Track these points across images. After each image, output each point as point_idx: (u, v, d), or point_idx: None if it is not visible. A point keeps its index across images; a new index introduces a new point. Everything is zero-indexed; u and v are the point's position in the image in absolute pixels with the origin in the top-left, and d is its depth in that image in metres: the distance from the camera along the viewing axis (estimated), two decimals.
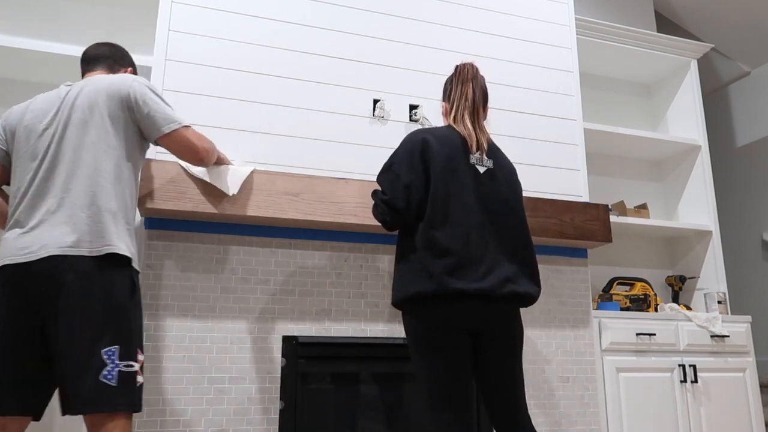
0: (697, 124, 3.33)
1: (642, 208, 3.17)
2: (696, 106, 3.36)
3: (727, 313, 2.96)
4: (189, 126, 1.75)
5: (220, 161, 2.04)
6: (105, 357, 1.44)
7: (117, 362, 1.46)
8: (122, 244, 1.54)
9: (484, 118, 1.87)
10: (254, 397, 2.09)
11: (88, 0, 2.62)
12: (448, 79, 1.95)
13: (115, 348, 1.46)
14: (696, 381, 2.67)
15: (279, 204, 2.13)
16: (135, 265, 1.59)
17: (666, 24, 4.08)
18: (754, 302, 3.91)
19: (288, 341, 2.17)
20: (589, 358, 2.55)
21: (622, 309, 2.83)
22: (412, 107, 2.56)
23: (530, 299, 1.73)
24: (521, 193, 1.86)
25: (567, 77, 2.88)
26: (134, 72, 1.91)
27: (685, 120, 3.41)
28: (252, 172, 2.11)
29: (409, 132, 2.53)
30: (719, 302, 2.96)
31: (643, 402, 2.57)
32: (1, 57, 2.29)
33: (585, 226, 2.52)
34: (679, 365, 2.66)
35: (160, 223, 2.13)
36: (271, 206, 2.12)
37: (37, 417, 1.52)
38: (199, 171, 2.02)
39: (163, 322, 2.05)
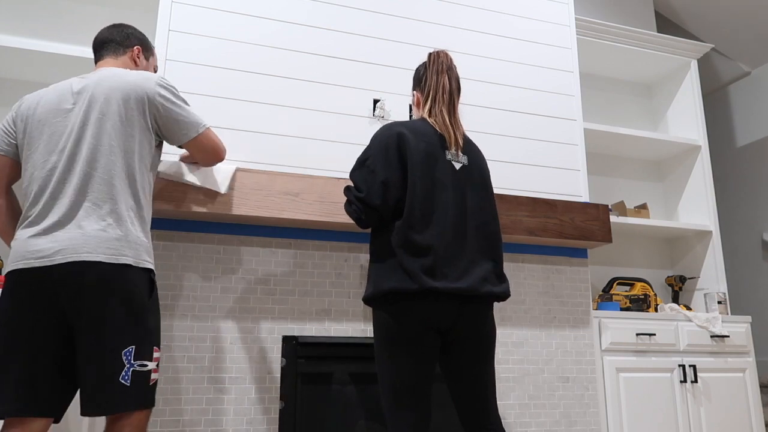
0: (697, 124, 3.33)
1: (642, 208, 3.17)
2: (696, 106, 3.36)
3: (727, 313, 2.96)
4: (209, 126, 1.75)
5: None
6: (124, 358, 1.45)
7: (132, 362, 1.46)
8: (136, 252, 1.52)
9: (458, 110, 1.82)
10: (254, 397, 2.09)
11: (88, 0, 2.62)
12: (420, 67, 1.86)
13: (131, 348, 1.46)
14: (696, 381, 2.67)
15: (279, 204, 2.13)
16: (152, 265, 1.58)
17: (666, 24, 4.08)
18: (754, 302, 3.91)
19: (288, 341, 2.17)
20: (589, 358, 2.55)
21: (622, 309, 2.83)
22: (412, 107, 2.55)
23: (504, 297, 1.70)
24: (492, 188, 1.81)
25: (567, 77, 2.88)
26: (143, 47, 1.83)
27: (685, 120, 3.41)
28: (235, 170, 2.10)
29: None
30: (719, 302, 2.96)
31: (643, 402, 2.57)
32: (1, 57, 2.29)
33: (585, 226, 2.52)
34: (679, 365, 2.66)
35: (160, 223, 2.13)
36: (271, 206, 2.12)
37: (57, 419, 1.51)
38: (189, 178, 2.00)
39: (164, 322, 2.06)
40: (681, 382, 2.65)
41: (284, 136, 2.36)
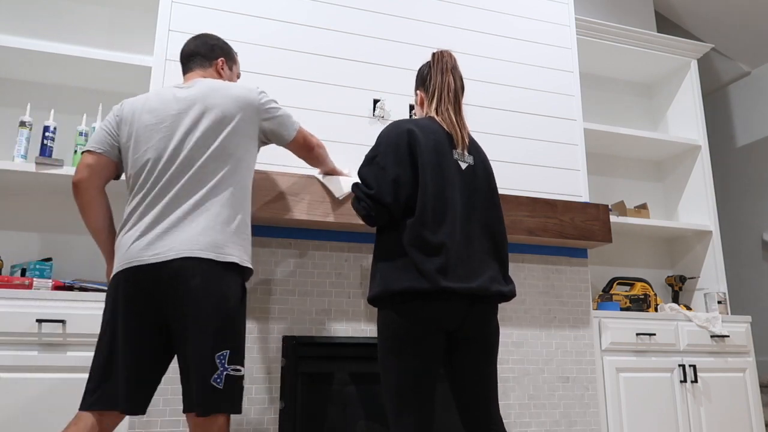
0: (697, 124, 3.33)
1: (642, 208, 3.17)
2: (696, 106, 3.36)
3: (727, 313, 2.96)
4: (300, 126, 1.88)
5: (335, 171, 2.17)
6: (217, 361, 1.49)
7: (226, 366, 1.50)
8: (241, 253, 1.60)
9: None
10: (254, 397, 2.09)
11: (88, 0, 2.62)
12: (424, 66, 1.85)
13: (226, 352, 1.50)
14: (696, 381, 2.67)
15: (279, 204, 2.12)
16: (249, 264, 1.64)
17: (666, 24, 4.08)
18: (754, 302, 3.91)
19: (288, 341, 2.17)
20: (589, 358, 2.55)
21: (622, 309, 2.83)
22: (412, 107, 2.56)
23: (511, 297, 1.70)
24: (496, 188, 1.81)
25: (567, 77, 2.88)
26: (226, 58, 1.91)
27: (685, 120, 3.41)
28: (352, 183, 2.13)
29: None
30: (719, 302, 2.96)
31: (643, 402, 2.57)
32: (1, 57, 2.29)
33: (585, 226, 2.52)
34: (679, 365, 2.66)
35: None
36: (271, 206, 2.12)
37: (143, 412, 1.57)
38: (324, 178, 2.18)
39: None
40: (681, 382, 2.65)
41: None
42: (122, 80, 2.47)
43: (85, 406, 1.51)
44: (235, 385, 1.52)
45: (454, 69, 1.80)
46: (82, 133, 2.31)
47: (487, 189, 1.74)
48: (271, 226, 2.25)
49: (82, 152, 1.71)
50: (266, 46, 2.42)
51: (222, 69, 1.88)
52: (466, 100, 2.64)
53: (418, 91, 1.86)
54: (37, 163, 2.15)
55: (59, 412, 1.90)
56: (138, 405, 1.54)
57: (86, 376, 1.93)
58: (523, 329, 2.49)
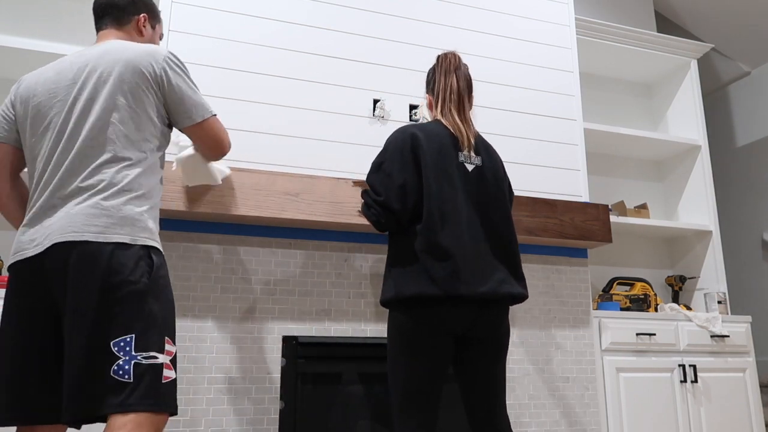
0: (697, 124, 3.33)
1: (642, 208, 3.17)
2: (696, 106, 3.36)
3: (727, 313, 2.96)
4: (216, 115, 1.57)
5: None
6: (116, 349, 1.23)
7: (133, 354, 1.24)
8: (137, 227, 1.36)
9: (470, 109, 1.82)
10: (254, 397, 2.09)
11: (88, 0, 2.62)
12: (430, 69, 1.87)
13: (129, 337, 1.24)
14: (696, 381, 2.67)
15: (279, 204, 2.12)
16: (152, 242, 1.39)
17: (666, 24, 4.08)
18: (754, 302, 3.91)
19: (288, 341, 2.17)
20: (589, 358, 2.55)
21: (622, 309, 2.83)
22: (412, 107, 2.56)
23: (522, 299, 1.71)
24: (508, 189, 1.81)
25: (567, 77, 2.88)
26: (149, 14, 1.65)
27: (685, 120, 3.41)
28: (229, 172, 2.03)
29: None
30: (719, 302, 2.96)
31: (643, 402, 2.57)
32: (1, 57, 2.29)
33: (585, 226, 2.52)
34: (679, 365, 2.66)
35: (160, 223, 2.12)
36: (271, 206, 2.12)
37: (71, 423, 1.31)
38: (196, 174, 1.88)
39: None
40: (681, 382, 2.65)
41: (284, 136, 2.36)
42: None
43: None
44: (153, 375, 1.25)
45: (458, 69, 1.81)
46: None
47: (495, 190, 1.74)
48: (271, 226, 2.25)
49: None
50: (266, 46, 2.42)
51: (144, 27, 1.62)
52: None
53: (427, 95, 1.89)
54: None
55: None
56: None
57: None
58: (523, 329, 2.49)
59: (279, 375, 2.13)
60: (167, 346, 1.30)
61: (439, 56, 1.84)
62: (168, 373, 1.29)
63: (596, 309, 2.79)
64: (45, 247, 1.31)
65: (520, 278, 1.72)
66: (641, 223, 3.04)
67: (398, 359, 1.63)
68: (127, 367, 1.23)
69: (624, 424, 2.52)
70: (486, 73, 2.73)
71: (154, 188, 1.46)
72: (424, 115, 2.55)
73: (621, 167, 3.47)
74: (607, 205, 2.61)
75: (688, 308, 2.98)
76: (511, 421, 2.36)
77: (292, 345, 2.16)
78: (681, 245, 3.35)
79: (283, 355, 2.15)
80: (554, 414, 2.44)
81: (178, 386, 2.02)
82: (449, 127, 1.75)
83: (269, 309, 2.18)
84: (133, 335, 1.25)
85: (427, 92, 1.88)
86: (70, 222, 1.31)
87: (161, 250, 1.43)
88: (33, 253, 1.33)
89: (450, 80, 1.78)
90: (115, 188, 1.35)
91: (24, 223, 1.41)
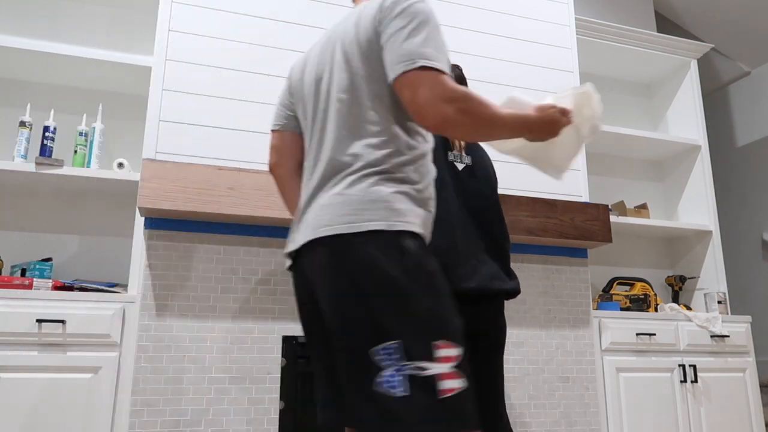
0: (697, 124, 3.33)
1: (642, 208, 3.17)
2: (696, 106, 3.36)
3: (727, 313, 2.96)
4: (438, 70, 1.09)
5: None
6: (379, 357, 1.01)
7: (401, 364, 1.00)
8: (388, 212, 1.09)
9: None
10: (254, 397, 2.09)
11: (88, 0, 2.62)
12: None
13: (394, 344, 1.01)
14: (696, 381, 2.67)
15: (279, 204, 2.12)
16: (409, 227, 1.10)
17: (666, 24, 4.08)
18: (754, 302, 3.91)
19: (288, 341, 2.17)
20: (589, 358, 2.55)
21: (622, 309, 2.83)
22: None
23: (515, 294, 1.71)
24: (497, 187, 1.82)
25: (567, 77, 2.88)
26: None
27: (685, 120, 3.41)
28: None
29: None
30: (719, 302, 2.96)
31: (643, 402, 2.57)
32: (1, 57, 2.29)
33: (585, 226, 2.52)
34: (679, 365, 2.66)
35: (160, 223, 2.13)
36: (271, 206, 2.12)
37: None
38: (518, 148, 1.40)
39: (163, 322, 2.06)
40: (681, 382, 2.65)
41: None
42: (122, 80, 2.47)
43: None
44: (428, 390, 0.99)
45: (452, 70, 1.80)
46: (82, 133, 2.31)
47: (485, 188, 1.76)
48: (272, 226, 2.25)
49: None
50: (266, 46, 2.42)
51: None
52: None
53: None
54: (37, 163, 2.15)
55: (59, 412, 1.90)
56: None
57: (86, 375, 1.94)
58: (523, 329, 2.49)
59: (279, 375, 2.13)
60: (439, 351, 1.02)
61: None
62: (445, 384, 1.00)
63: (596, 309, 2.79)
64: (299, 245, 1.19)
65: (512, 275, 1.73)
66: (641, 223, 3.04)
67: None
68: (397, 379, 1.00)
69: (624, 424, 2.52)
70: (486, 73, 2.73)
71: (403, 164, 1.17)
72: None
73: (621, 167, 3.47)
74: (607, 205, 2.61)
75: (688, 308, 2.98)
76: (511, 421, 2.36)
77: (292, 345, 2.16)
78: (681, 245, 3.35)
79: (283, 355, 2.15)
80: (554, 414, 2.44)
81: (177, 386, 2.02)
82: None
83: (269, 309, 2.18)
84: (400, 341, 1.02)
85: None
86: (319, 219, 1.14)
87: (417, 231, 1.14)
88: (291, 249, 1.23)
89: None
90: (357, 172, 1.15)
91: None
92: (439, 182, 1.68)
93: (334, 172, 1.17)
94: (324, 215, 1.13)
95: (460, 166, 1.74)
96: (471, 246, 1.66)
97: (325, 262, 1.11)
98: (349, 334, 1.07)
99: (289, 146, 1.44)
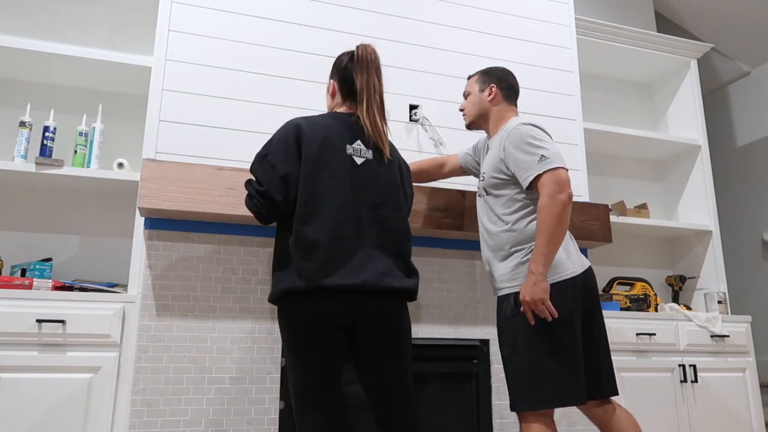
0: (697, 124, 3.33)
1: (642, 208, 3.17)
2: (696, 106, 3.36)
3: (727, 313, 2.96)
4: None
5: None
6: None
7: None
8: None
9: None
10: (254, 397, 2.09)
11: (88, 0, 2.62)
12: (344, 57, 1.80)
13: None
14: (696, 381, 2.67)
15: None
16: None
17: (666, 24, 4.08)
18: (754, 302, 3.91)
19: None
20: None
21: (622, 309, 2.83)
22: (412, 107, 2.56)
23: (408, 293, 1.67)
24: (407, 186, 1.78)
25: (567, 77, 2.88)
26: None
27: (685, 120, 3.41)
28: None
29: (405, 131, 2.54)
30: (719, 302, 2.96)
31: (643, 402, 2.57)
32: (1, 57, 2.29)
33: (585, 226, 2.52)
34: (679, 365, 2.66)
35: (160, 223, 2.13)
36: None
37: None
38: None
39: (163, 322, 2.06)
40: (681, 381, 2.65)
41: None
42: (122, 80, 2.47)
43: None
44: None
45: (377, 69, 1.76)
46: (82, 133, 2.31)
47: (387, 183, 1.71)
48: (271, 226, 2.25)
49: (558, 168, 1.79)
50: (266, 46, 2.42)
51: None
52: None
53: (331, 80, 1.84)
54: (37, 163, 2.15)
55: (59, 412, 1.90)
56: None
57: (86, 375, 1.94)
58: None
59: (279, 375, 2.13)
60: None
61: (358, 47, 1.77)
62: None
63: None
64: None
65: (412, 272, 1.69)
66: (641, 223, 3.04)
67: (287, 357, 1.61)
68: None
69: None
70: None
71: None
72: (423, 115, 2.55)
73: (621, 167, 3.47)
74: (607, 205, 2.61)
75: (688, 308, 2.98)
76: (511, 421, 2.35)
77: None
78: (681, 245, 3.35)
79: (282, 356, 2.15)
80: (554, 414, 2.43)
81: (177, 386, 2.02)
82: (362, 123, 1.71)
83: (269, 309, 2.18)
84: None
85: (333, 78, 1.83)
86: None
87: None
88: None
89: (372, 80, 1.73)
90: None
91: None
92: (332, 175, 1.63)
93: None
94: None
95: (359, 160, 1.69)
96: (360, 241, 1.62)
97: None
98: None
99: None
